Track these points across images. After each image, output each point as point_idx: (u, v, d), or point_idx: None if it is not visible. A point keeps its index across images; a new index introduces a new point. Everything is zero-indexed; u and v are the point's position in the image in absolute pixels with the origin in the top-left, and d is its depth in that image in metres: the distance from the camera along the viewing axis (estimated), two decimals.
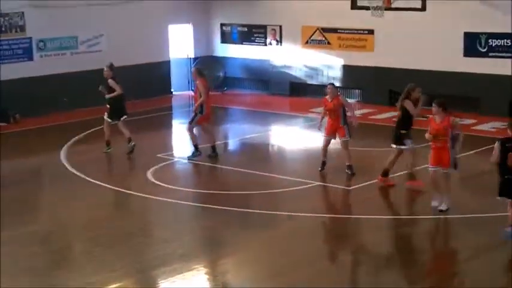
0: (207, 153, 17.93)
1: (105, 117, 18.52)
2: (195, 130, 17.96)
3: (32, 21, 23.29)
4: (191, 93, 26.20)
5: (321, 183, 15.87)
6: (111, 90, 18.31)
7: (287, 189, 15.43)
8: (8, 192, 15.52)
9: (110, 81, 18.31)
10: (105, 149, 18.52)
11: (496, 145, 12.08)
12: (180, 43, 27.28)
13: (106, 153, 18.48)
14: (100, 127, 19.72)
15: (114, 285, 11.08)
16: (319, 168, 16.28)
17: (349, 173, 16.08)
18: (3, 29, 22.84)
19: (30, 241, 12.86)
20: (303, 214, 13.82)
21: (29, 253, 12.30)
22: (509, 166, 11.84)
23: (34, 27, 23.33)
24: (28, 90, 22.53)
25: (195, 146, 17.85)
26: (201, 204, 14.68)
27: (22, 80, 22.86)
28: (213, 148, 18.04)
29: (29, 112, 22.39)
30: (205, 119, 17.97)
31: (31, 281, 11.21)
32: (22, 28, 23.26)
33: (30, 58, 23.45)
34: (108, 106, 18.54)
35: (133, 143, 18.37)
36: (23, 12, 23.15)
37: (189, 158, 17.82)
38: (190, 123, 17.89)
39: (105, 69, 18.48)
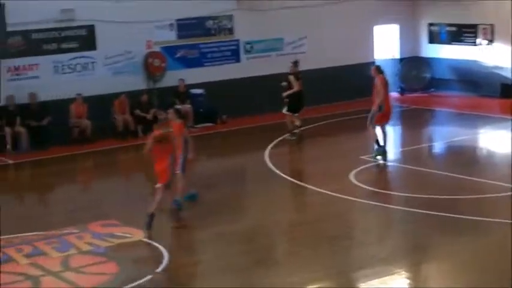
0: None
1: (284, 110, 20.02)
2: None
3: (240, 24, 23.83)
4: (396, 94, 25.88)
5: None
6: (291, 85, 19.83)
7: (497, 195, 14.69)
8: (214, 191, 15.90)
9: (290, 77, 19.66)
10: (291, 136, 19.87)
11: None
12: (386, 44, 26.89)
13: (292, 140, 19.85)
14: (303, 128, 19.97)
15: (315, 286, 11.06)
16: None
17: None
18: (212, 32, 23.54)
19: (235, 240, 13.09)
20: None
21: (233, 251, 12.52)
22: None
23: (242, 30, 23.87)
24: (235, 91, 23.05)
25: (377, 143, 17.69)
26: (404, 208, 14.28)
27: (229, 82, 23.46)
28: (377, 142, 17.75)
29: (235, 113, 22.91)
30: (384, 117, 17.71)
31: (234, 277, 11.39)
32: (230, 31, 23.87)
33: (238, 60, 24.02)
34: (287, 100, 19.81)
35: (294, 138, 19.69)
36: (231, 15, 23.75)
37: (375, 156, 17.67)
38: (371, 121, 17.71)
39: (290, 64, 20.13)
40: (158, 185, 13.40)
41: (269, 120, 22.67)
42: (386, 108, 17.64)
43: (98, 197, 16.47)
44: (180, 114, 14.73)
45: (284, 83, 19.92)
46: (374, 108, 17.58)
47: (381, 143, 17.70)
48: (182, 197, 14.21)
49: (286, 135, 20.18)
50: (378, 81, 17.58)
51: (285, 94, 19.95)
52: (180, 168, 14.16)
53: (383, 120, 17.72)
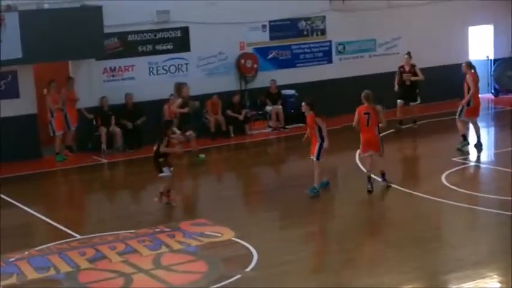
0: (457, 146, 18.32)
1: (418, 101, 21.32)
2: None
3: (333, 25, 23.79)
4: (490, 96, 25.37)
5: None
6: (415, 75, 21.24)
7: None
8: (304, 191, 15.87)
9: (417, 68, 21.21)
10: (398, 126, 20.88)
11: None
12: (480, 44, 26.34)
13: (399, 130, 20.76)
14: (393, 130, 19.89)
15: (405, 287, 10.93)
16: None
17: None
18: (305, 32, 23.57)
19: (325, 239, 13.10)
20: None
21: (323, 251, 12.53)
22: None
23: (334, 31, 23.81)
24: (327, 92, 22.99)
25: (463, 136, 18.34)
26: (496, 211, 14.00)
27: (321, 83, 23.44)
28: (464, 137, 18.40)
29: (327, 113, 22.75)
30: (473, 112, 18.33)
31: (323, 277, 11.43)
32: (323, 32, 23.85)
33: (330, 61, 23.98)
34: (418, 91, 21.29)
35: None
36: (324, 16, 23.73)
37: (457, 149, 18.20)
38: (459, 116, 18.34)
39: (405, 56, 21.55)
40: (365, 154, 15.67)
41: None
42: (476, 103, 18.29)
43: (188, 196, 16.72)
44: (312, 106, 15.60)
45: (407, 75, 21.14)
46: (463, 102, 18.26)
47: (471, 137, 18.37)
48: (318, 184, 15.29)
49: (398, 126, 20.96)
50: (469, 77, 18.21)
51: (413, 79, 21.06)
52: (315, 156, 15.19)
53: (473, 115, 18.36)
